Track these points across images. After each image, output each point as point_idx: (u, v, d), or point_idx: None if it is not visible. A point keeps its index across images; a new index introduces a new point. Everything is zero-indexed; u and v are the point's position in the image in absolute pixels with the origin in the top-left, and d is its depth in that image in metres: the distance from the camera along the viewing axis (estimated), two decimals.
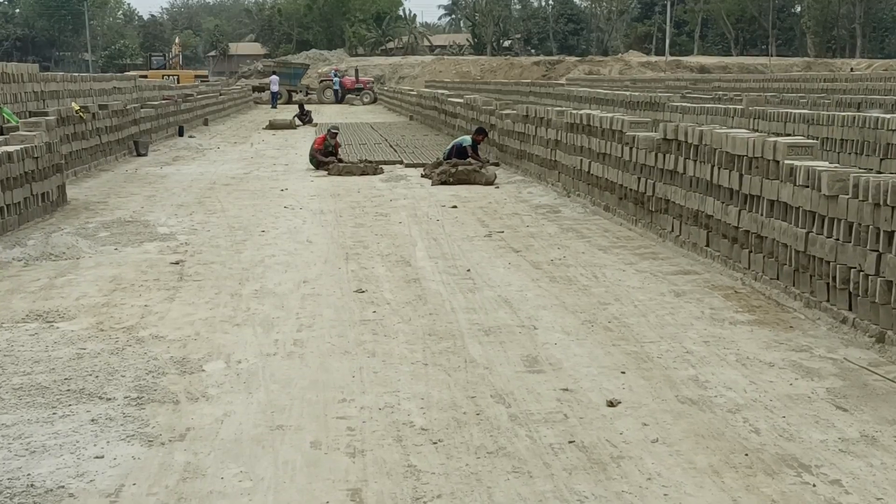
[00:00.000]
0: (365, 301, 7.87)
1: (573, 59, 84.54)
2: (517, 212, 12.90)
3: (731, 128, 15.85)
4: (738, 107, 15.58)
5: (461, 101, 24.90)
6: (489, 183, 15.94)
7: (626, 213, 11.45)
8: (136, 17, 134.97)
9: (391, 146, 23.56)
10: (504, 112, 18.97)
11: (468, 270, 9.01)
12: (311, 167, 19.10)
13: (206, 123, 34.67)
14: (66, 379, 5.84)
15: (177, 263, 9.51)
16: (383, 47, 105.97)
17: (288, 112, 44.11)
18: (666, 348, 6.43)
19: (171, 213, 12.98)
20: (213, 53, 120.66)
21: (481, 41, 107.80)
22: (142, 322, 7.25)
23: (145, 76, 51.97)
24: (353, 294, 8.12)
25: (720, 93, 28.59)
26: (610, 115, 12.51)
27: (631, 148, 11.20)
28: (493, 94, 38.22)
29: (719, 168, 8.80)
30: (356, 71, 64.61)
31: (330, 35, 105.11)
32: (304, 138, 27.97)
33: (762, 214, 8.00)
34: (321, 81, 63.27)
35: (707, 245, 9.14)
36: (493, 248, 10.20)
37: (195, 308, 7.69)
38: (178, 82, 55.11)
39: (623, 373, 5.92)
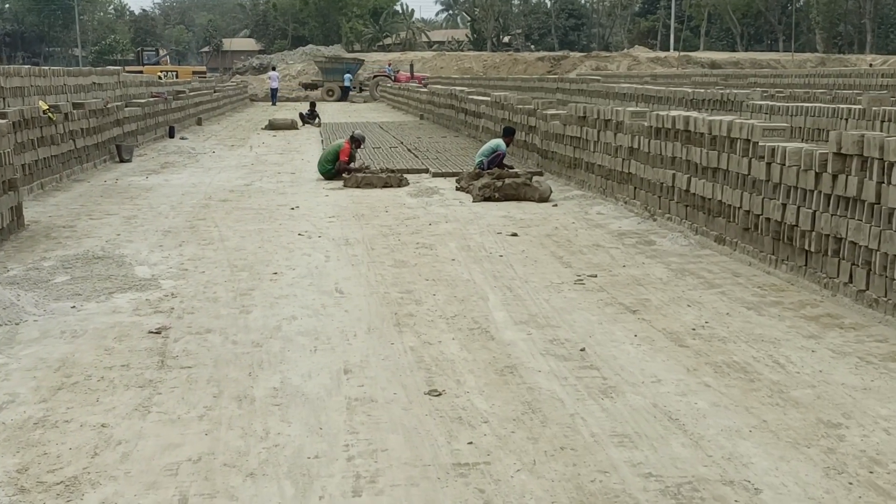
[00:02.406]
0: (448, 415, 5.02)
1: (578, 54, 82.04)
2: (598, 242, 10.07)
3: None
4: (855, 107, 12.77)
5: (488, 98, 22.04)
6: (543, 199, 13.11)
7: (759, 249, 8.62)
8: (128, 12, 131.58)
9: (409, 150, 20.70)
10: (549, 112, 16.12)
11: (582, 350, 6.16)
12: (321, 177, 16.27)
13: (199, 123, 31.82)
14: None
15: (158, 332, 6.67)
16: (380, 43, 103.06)
17: (287, 111, 41.27)
18: None
19: (154, 244, 10.12)
20: (206, 49, 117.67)
21: (481, 37, 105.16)
22: (91, 468, 4.40)
23: (141, 72, 49.01)
24: (424, 399, 5.27)
25: (760, 89, 25.78)
26: (720, 117, 9.68)
27: (769, 164, 8.37)
28: (511, 90, 35.33)
29: None
30: (411, 66, 61.43)
31: (326, 31, 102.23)
32: (309, 140, 25.16)
33: None
34: (374, 77, 60.05)
35: None
36: (596, 305, 7.36)
37: (182, 432, 4.83)
38: (177, 77, 52.44)
39: None
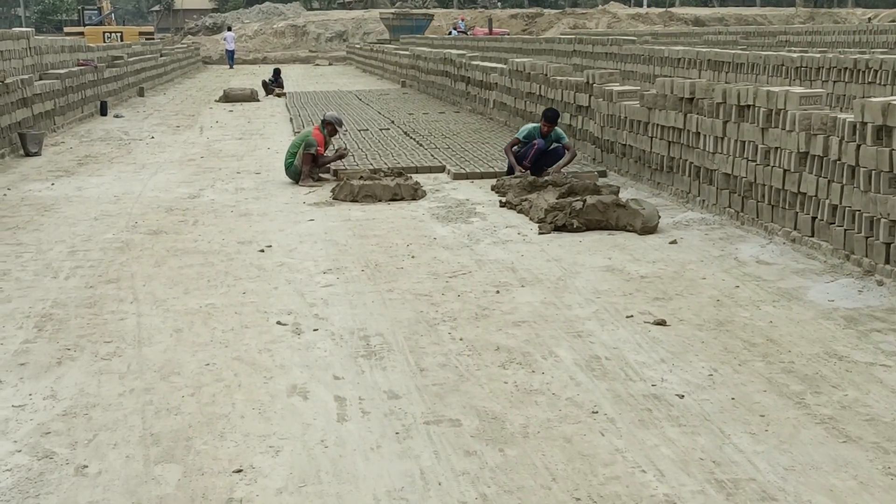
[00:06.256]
0: None
1: (553, 11, 77.32)
2: (827, 343, 5.52)
3: None
4: None
5: (502, 66, 17.30)
6: (649, 230, 8.54)
7: None
8: None
9: (406, 135, 15.96)
10: (613, 89, 11.50)
11: None
12: (290, 179, 11.66)
13: (141, 94, 26.84)
14: None
15: None
16: (341, 0, 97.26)
17: (244, 76, 36.32)
18: None
19: (10, 359, 5.44)
20: (156, 8, 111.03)
21: None
22: None
23: (81, 33, 43.41)
24: None
25: (791, 49, 21.24)
26: None
27: None
28: (509, 52, 30.36)
29: None
30: (490, 21, 55.63)
31: None
32: (274, 117, 20.34)
33: None
34: (449, 33, 54.21)
35: None
36: None
37: None
38: (122, 39, 47.12)
39: None
